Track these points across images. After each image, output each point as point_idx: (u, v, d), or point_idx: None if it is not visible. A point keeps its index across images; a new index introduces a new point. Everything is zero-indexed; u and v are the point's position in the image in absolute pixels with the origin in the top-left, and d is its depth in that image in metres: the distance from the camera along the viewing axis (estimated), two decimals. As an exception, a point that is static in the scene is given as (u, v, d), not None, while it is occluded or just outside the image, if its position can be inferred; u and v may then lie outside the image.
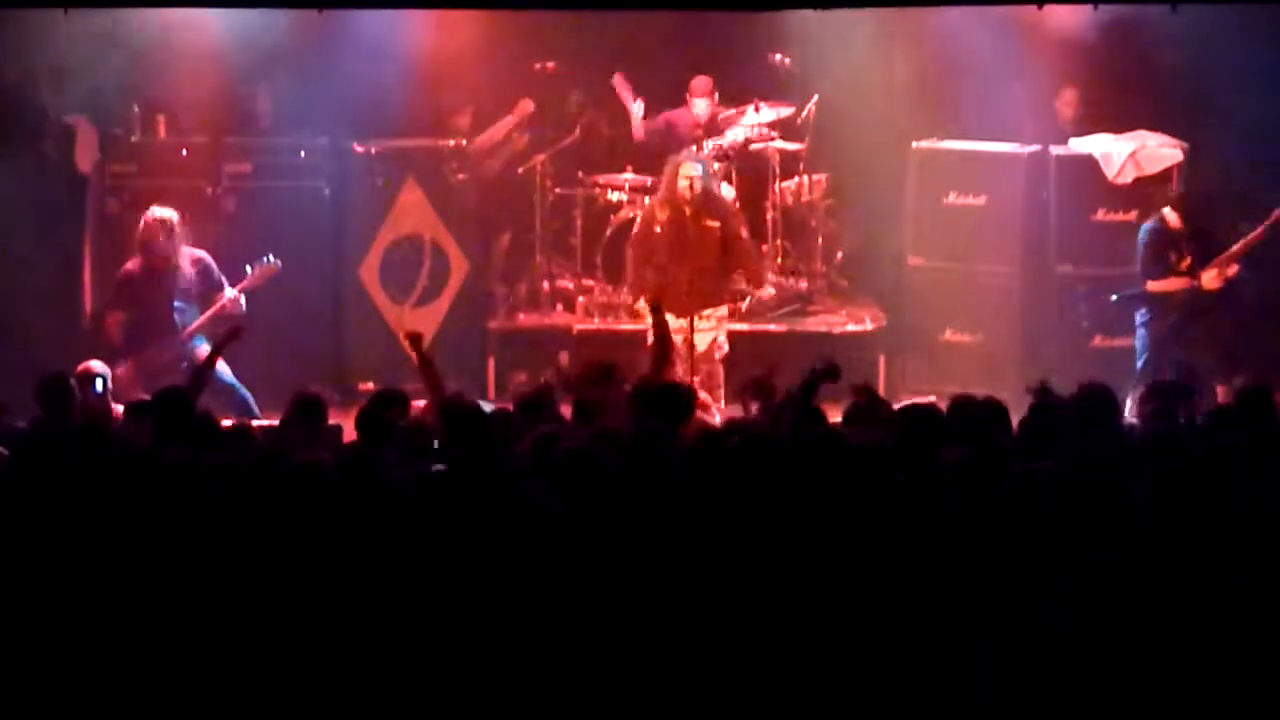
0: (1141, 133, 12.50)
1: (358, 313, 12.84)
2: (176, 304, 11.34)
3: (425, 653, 6.04)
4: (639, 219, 11.86)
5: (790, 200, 13.22)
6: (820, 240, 13.38)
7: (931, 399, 10.70)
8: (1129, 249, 12.28)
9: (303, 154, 12.71)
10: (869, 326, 12.93)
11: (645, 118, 13.11)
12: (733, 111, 13.13)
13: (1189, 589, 5.78)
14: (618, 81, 13.12)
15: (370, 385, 11.16)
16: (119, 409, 9.35)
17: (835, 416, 8.50)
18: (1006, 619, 5.87)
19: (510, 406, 8.74)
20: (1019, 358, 12.46)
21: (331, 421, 8.78)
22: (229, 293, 11.26)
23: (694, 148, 12.50)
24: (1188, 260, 11.53)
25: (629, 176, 13.12)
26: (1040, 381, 8.24)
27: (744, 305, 12.37)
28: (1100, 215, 12.46)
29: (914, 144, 12.89)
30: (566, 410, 8.69)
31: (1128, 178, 12.39)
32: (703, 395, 10.55)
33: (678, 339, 11.13)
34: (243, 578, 6.30)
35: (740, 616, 6.07)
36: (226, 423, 8.55)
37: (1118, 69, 12.43)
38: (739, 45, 13.28)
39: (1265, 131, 11.82)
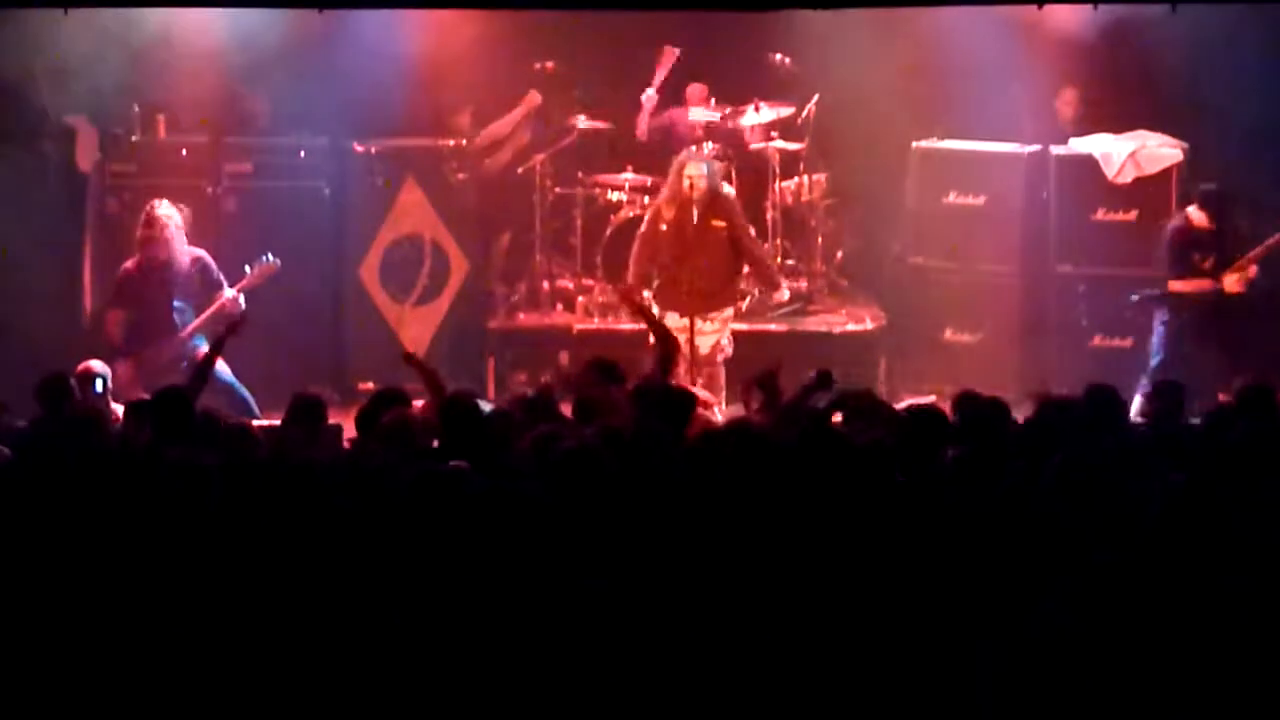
0: (1141, 132, 12.51)
1: (358, 312, 12.84)
2: (176, 303, 11.34)
3: (425, 652, 6.04)
4: (647, 216, 11.85)
5: (790, 200, 13.22)
6: (820, 240, 13.38)
7: (932, 399, 10.73)
8: (1129, 249, 12.31)
9: (303, 154, 12.71)
10: (869, 326, 12.93)
11: (653, 112, 13.13)
12: (730, 110, 13.14)
13: (1189, 589, 5.78)
14: (665, 55, 13.10)
15: (370, 385, 11.14)
16: (119, 409, 9.35)
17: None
18: (1006, 619, 5.88)
19: (511, 406, 8.74)
20: (1019, 357, 12.47)
21: (331, 421, 8.78)
22: (228, 292, 11.25)
23: (693, 148, 12.49)
24: (1210, 261, 11.52)
25: (629, 176, 13.12)
26: (1042, 391, 8.24)
27: (744, 305, 12.34)
28: (1100, 215, 12.46)
29: (914, 144, 12.89)
30: (567, 410, 8.69)
31: (1127, 177, 12.39)
32: (704, 394, 10.52)
33: (680, 338, 11.12)
34: (242, 577, 6.30)
35: (741, 616, 6.08)
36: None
37: (1118, 69, 12.42)
38: (739, 45, 13.28)
39: (1265, 131, 11.84)
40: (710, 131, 13.07)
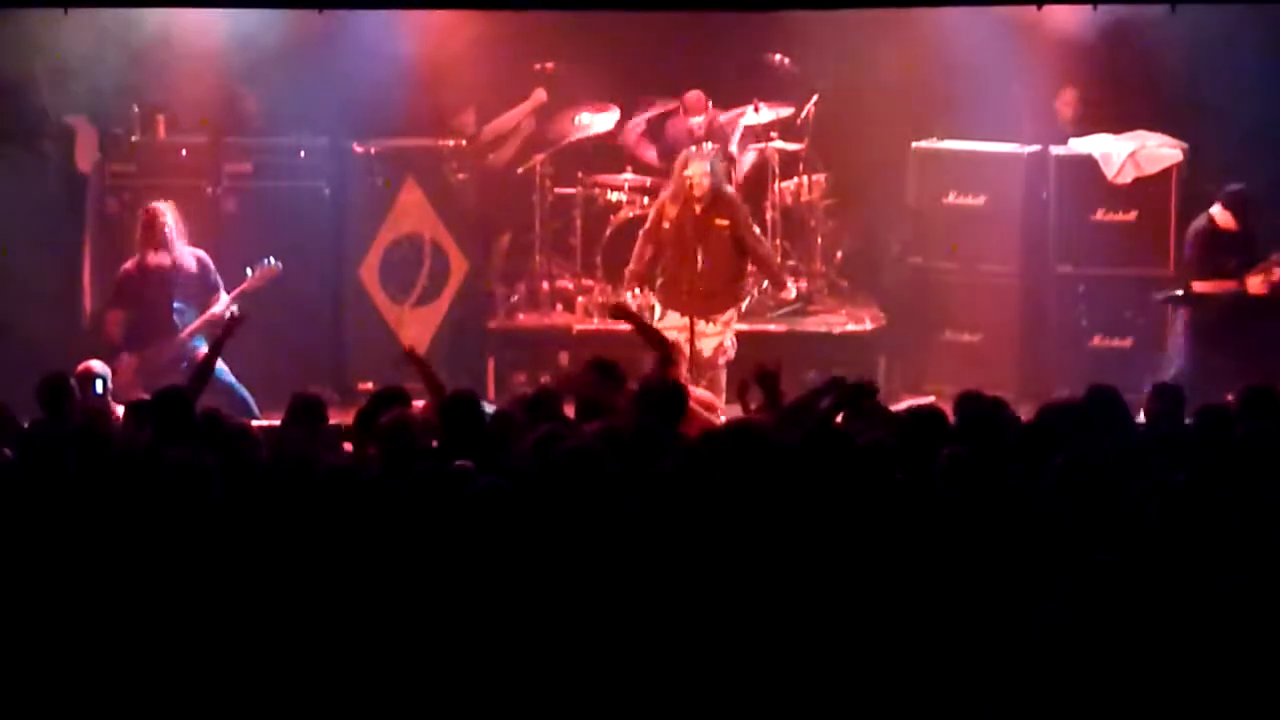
0: (1141, 133, 12.51)
1: (358, 312, 12.83)
2: (175, 304, 11.35)
3: (425, 652, 6.04)
4: (651, 213, 11.84)
5: (790, 200, 13.21)
6: (820, 240, 13.38)
7: (931, 399, 10.73)
8: (1129, 249, 12.33)
9: (302, 154, 12.70)
10: (869, 326, 12.93)
11: (643, 134, 13.18)
12: (736, 112, 13.14)
13: (1189, 589, 5.78)
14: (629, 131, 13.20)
15: (370, 385, 11.13)
16: (119, 409, 9.34)
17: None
18: (1007, 619, 5.88)
19: (512, 407, 8.73)
20: (1018, 358, 12.48)
21: (331, 421, 8.77)
22: (221, 299, 11.27)
23: (693, 148, 12.46)
24: (1234, 262, 11.52)
25: (629, 177, 13.12)
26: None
27: (743, 306, 12.32)
28: (1100, 215, 12.46)
29: (914, 144, 12.89)
30: (570, 410, 8.68)
31: (1127, 178, 12.40)
32: (707, 395, 10.49)
33: (680, 338, 11.12)
34: (242, 577, 6.30)
35: (740, 615, 6.08)
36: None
37: (1117, 69, 12.42)
38: (738, 45, 13.27)
39: (1265, 132, 11.83)
40: (711, 133, 13.05)
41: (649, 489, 6.82)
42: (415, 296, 12.81)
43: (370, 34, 12.15)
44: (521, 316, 13.23)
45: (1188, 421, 8.23)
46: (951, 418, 7.91)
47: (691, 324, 11.32)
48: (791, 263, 13.19)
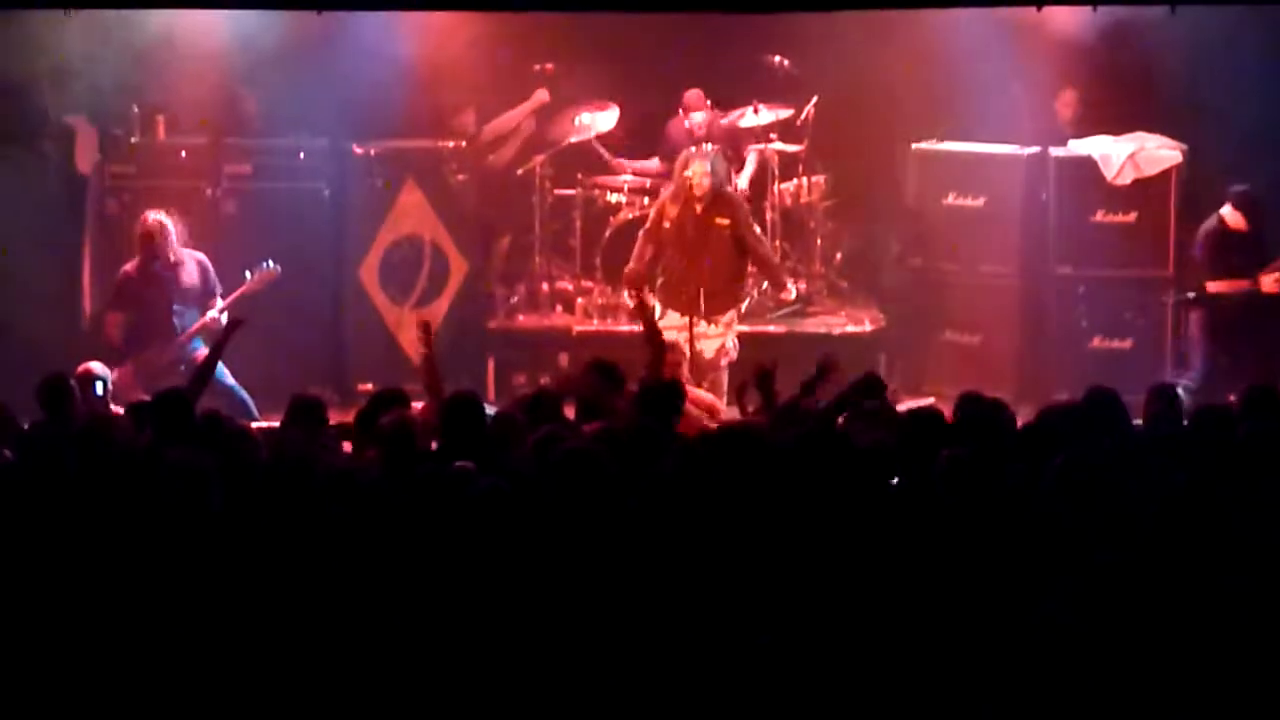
0: (1140, 134, 12.51)
1: (357, 314, 12.83)
2: (175, 306, 11.35)
3: (425, 652, 6.04)
4: (652, 212, 11.84)
5: (789, 202, 13.22)
6: (819, 241, 13.38)
7: (931, 400, 10.73)
8: (1128, 250, 12.33)
9: (302, 155, 12.70)
10: (868, 328, 12.93)
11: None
12: (736, 114, 13.13)
13: (1189, 589, 5.79)
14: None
15: (369, 386, 11.14)
16: (118, 411, 9.34)
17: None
18: (1007, 619, 5.88)
19: (513, 408, 8.73)
20: (1018, 359, 12.48)
21: (331, 423, 8.77)
22: (217, 304, 11.28)
23: (693, 148, 12.46)
24: (1247, 261, 11.54)
25: (628, 178, 13.12)
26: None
27: (744, 307, 12.32)
28: (1099, 216, 12.46)
29: (913, 145, 12.89)
30: (570, 412, 8.68)
31: (1127, 179, 12.40)
32: (708, 396, 10.49)
33: (680, 338, 11.11)
34: (241, 579, 6.30)
35: (740, 616, 6.08)
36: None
37: (1117, 71, 12.42)
38: (738, 47, 13.28)
39: (1264, 133, 11.84)
40: (710, 135, 13.05)
41: (649, 489, 6.82)
42: (415, 298, 12.80)
43: (370, 35, 12.15)
44: (521, 317, 13.23)
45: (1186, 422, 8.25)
46: (952, 419, 7.91)
47: (691, 324, 11.32)
48: (791, 264, 13.19)
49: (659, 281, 11.58)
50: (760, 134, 13.17)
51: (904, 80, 12.64)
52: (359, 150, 12.78)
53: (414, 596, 6.19)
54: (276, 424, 8.82)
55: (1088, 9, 11.62)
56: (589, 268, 13.06)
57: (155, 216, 11.39)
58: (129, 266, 11.51)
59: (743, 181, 12.85)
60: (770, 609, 6.10)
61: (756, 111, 13.07)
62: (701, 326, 11.38)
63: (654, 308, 11.06)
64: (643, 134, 13.47)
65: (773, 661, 5.79)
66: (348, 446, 8.40)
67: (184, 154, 12.64)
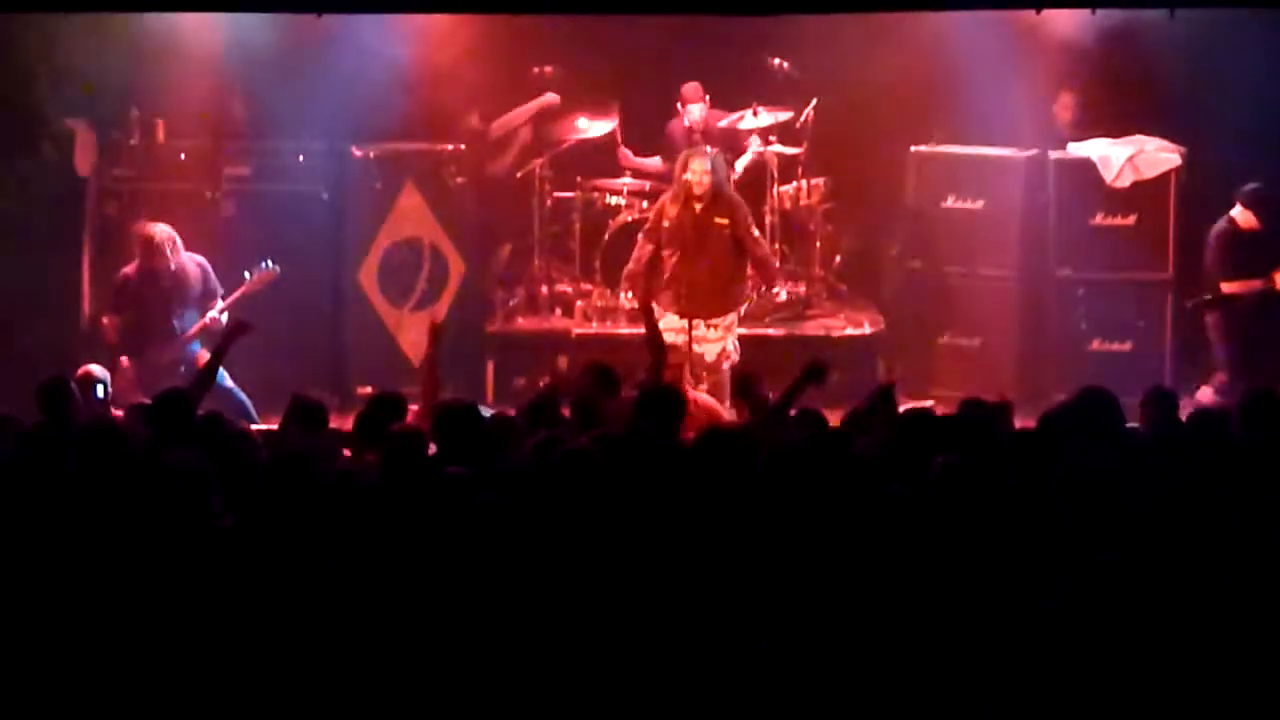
0: (1139, 137, 12.52)
1: (356, 316, 12.81)
2: (175, 308, 11.35)
3: (425, 653, 6.03)
4: (653, 213, 11.84)
5: (789, 204, 13.20)
6: (819, 244, 13.37)
7: (930, 403, 10.72)
8: (1128, 253, 12.34)
9: (301, 158, 12.69)
10: (867, 330, 12.92)
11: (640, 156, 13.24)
12: (735, 116, 13.13)
13: (1189, 589, 5.79)
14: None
15: (369, 389, 11.15)
16: (118, 413, 9.34)
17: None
18: (1006, 618, 5.88)
19: (511, 411, 8.73)
20: (1018, 361, 12.48)
21: (330, 425, 8.76)
22: (218, 305, 11.28)
23: (693, 147, 12.46)
24: (1260, 260, 11.55)
25: (627, 180, 13.12)
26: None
27: (743, 309, 12.31)
28: (1099, 219, 12.47)
29: (912, 148, 12.89)
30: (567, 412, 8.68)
31: (1126, 181, 12.40)
32: (711, 400, 10.47)
33: (680, 340, 11.11)
34: (241, 580, 6.30)
35: (739, 621, 6.08)
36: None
37: (1116, 73, 12.43)
38: (737, 49, 13.27)
39: (1263, 135, 11.85)
40: (708, 135, 13.04)
41: (647, 493, 6.82)
42: (414, 300, 12.79)
43: (369, 38, 12.15)
44: (520, 320, 13.22)
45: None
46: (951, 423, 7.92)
47: (690, 325, 11.31)
48: (790, 266, 13.19)
49: (660, 283, 11.55)
50: (760, 136, 13.17)
51: (903, 83, 12.64)
52: (358, 153, 12.77)
53: (412, 598, 6.19)
54: (275, 426, 8.82)
55: (1087, 11, 11.62)
56: (588, 270, 13.06)
57: (163, 230, 11.37)
58: (128, 269, 11.51)
59: (739, 166, 12.85)
60: (769, 615, 6.10)
61: (756, 114, 13.06)
62: (701, 330, 11.37)
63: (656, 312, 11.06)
64: (643, 137, 13.46)
65: (773, 668, 5.79)
66: (346, 452, 8.38)
67: (183, 156, 12.63)
